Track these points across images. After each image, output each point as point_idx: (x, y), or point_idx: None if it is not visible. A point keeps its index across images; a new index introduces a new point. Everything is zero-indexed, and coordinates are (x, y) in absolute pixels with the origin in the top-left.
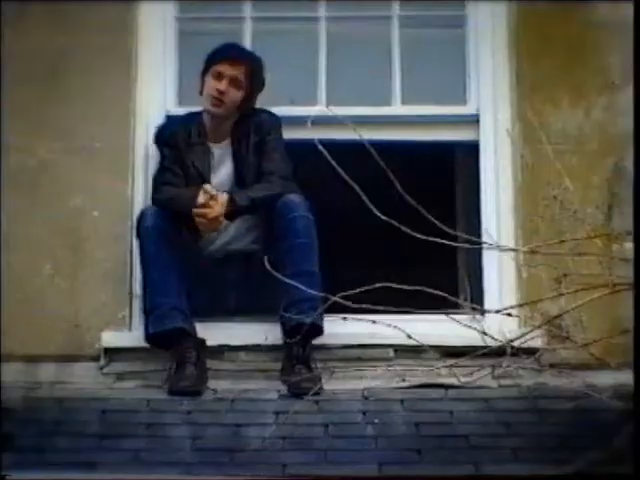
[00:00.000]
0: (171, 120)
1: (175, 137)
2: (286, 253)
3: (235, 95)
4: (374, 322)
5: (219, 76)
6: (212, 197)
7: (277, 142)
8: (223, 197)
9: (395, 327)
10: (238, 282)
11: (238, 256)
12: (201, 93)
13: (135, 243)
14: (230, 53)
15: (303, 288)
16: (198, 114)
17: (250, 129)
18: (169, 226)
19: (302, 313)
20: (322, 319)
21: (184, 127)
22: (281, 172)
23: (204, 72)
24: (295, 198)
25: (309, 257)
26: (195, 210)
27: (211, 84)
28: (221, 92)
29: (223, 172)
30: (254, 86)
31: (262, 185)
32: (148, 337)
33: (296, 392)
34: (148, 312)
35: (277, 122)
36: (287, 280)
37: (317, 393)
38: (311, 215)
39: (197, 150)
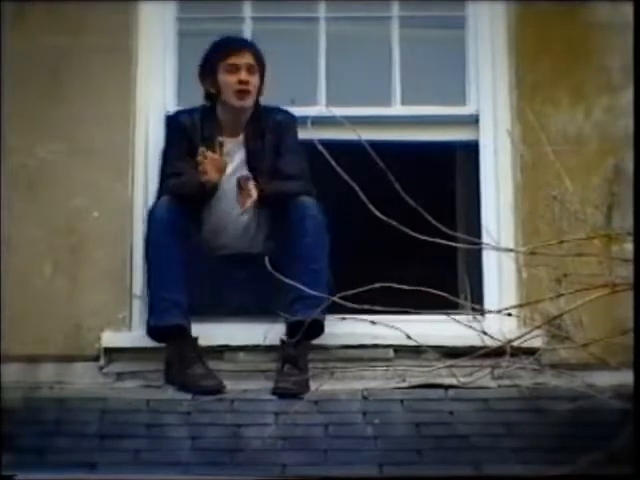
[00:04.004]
0: (183, 111)
1: (188, 127)
2: (294, 252)
3: (255, 81)
4: (373, 323)
5: (235, 68)
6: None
7: (294, 143)
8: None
9: (396, 328)
10: (240, 282)
11: (242, 255)
12: (212, 91)
13: (135, 242)
14: (234, 43)
15: (301, 287)
16: (209, 108)
17: (265, 127)
18: (180, 219)
19: (304, 309)
20: (324, 318)
21: (197, 120)
22: (296, 173)
23: (209, 70)
24: (307, 200)
25: (317, 256)
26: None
27: (230, 78)
28: (244, 82)
29: (231, 167)
30: (262, 69)
31: (278, 183)
32: (149, 329)
33: (280, 394)
34: (151, 304)
35: (293, 121)
36: (287, 280)
37: (300, 398)
38: (322, 216)
39: (209, 144)
